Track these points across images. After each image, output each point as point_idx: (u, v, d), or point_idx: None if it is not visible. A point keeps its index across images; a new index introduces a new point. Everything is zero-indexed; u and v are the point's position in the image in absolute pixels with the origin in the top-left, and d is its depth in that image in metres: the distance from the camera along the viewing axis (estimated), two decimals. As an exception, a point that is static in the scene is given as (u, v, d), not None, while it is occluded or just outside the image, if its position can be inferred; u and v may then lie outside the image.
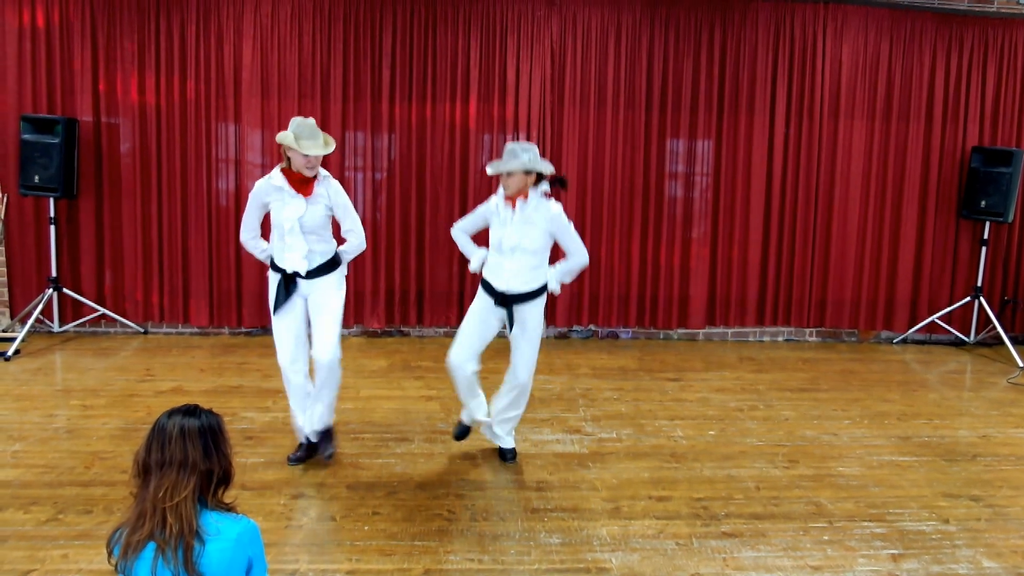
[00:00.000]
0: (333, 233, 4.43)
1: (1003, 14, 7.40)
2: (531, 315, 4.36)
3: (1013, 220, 7.41)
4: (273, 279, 4.34)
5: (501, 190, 4.31)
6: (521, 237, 4.23)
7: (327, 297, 4.33)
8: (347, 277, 7.07)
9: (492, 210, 4.38)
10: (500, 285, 4.31)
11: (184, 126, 6.98)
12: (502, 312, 4.36)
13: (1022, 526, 3.98)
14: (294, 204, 4.18)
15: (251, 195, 4.32)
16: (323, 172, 4.28)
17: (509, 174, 4.21)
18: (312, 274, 4.28)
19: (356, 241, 4.45)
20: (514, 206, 4.26)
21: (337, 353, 4.30)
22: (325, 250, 4.33)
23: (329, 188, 4.27)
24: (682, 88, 7.30)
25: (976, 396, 6.20)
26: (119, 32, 6.84)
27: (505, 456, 4.63)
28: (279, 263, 4.30)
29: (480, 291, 4.45)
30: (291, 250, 4.24)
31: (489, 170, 4.34)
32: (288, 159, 4.19)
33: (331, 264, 4.35)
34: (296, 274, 4.27)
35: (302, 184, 4.19)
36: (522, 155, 4.18)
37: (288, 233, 4.20)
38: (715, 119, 7.37)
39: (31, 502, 3.88)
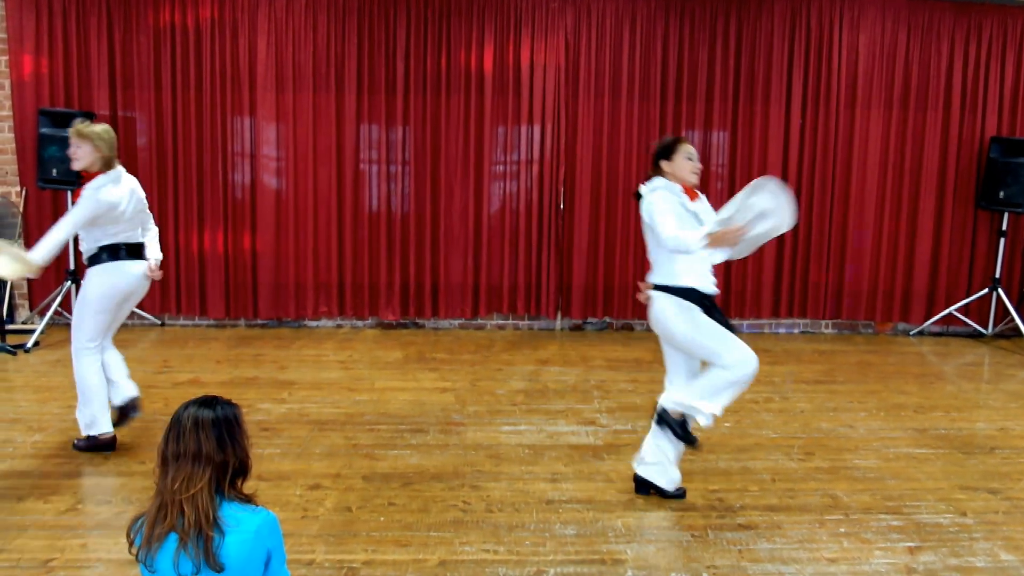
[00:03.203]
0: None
1: (1023, 2, 7.30)
2: None
3: (1032, 211, 7.33)
4: None
5: (676, 185, 3.78)
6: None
7: (81, 291, 4.49)
8: (362, 268, 7.21)
9: (679, 207, 3.75)
10: (710, 287, 3.80)
11: (200, 120, 7.03)
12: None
13: (1040, 519, 3.96)
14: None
15: None
16: (94, 184, 4.28)
17: (690, 158, 3.80)
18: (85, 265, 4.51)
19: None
20: (695, 197, 3.85)
21: (72, 343, 4.42)
22: (85, 248, 4.47)
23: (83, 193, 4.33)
24: (698, 79, 7.26)
25: (994, 388, 6.15)
26: (135, 26, 6.88)
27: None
28: None
29: (687, 304, 3.73)
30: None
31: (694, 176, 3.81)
32: None
33: (90, 261, 4.47)
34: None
35: (80, 185, 4.43)
36: None
37: None
38: (731, 110, 7.33)
39: (51, 492, 3.92)
